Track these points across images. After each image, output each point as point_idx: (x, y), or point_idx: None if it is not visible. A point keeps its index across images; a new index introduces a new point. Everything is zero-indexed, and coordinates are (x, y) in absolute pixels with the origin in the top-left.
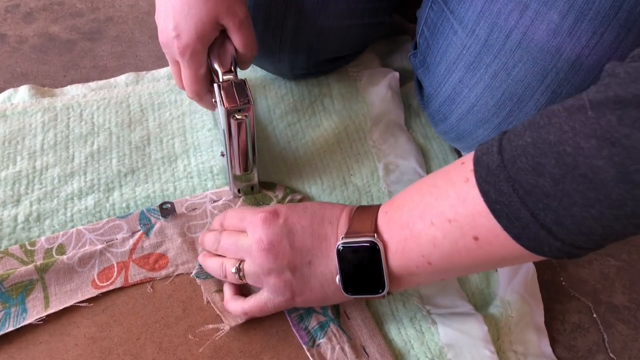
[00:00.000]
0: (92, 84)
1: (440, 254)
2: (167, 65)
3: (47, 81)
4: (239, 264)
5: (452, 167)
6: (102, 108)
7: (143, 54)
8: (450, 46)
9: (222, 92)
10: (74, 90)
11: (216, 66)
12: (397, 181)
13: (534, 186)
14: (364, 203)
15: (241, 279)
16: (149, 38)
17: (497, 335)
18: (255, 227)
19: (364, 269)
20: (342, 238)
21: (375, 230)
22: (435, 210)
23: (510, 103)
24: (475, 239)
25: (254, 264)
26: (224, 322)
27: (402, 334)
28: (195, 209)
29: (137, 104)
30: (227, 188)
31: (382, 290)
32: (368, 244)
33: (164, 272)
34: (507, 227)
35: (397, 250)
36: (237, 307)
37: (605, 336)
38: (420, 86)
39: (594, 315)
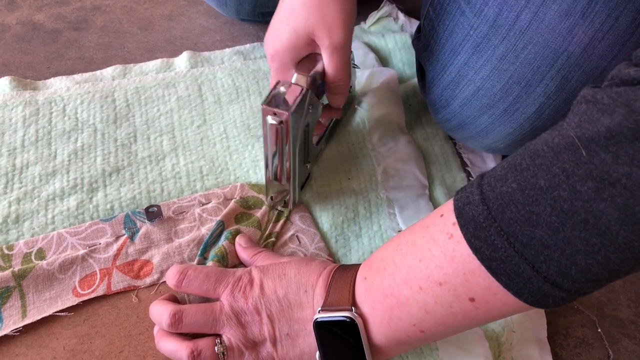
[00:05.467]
0: (77, 77)
1: (433, 320)
2: (156, 57)
3: (30, 72)
4: (220, 342)
5: (430, 220)
6: (86, 102)
7: (131, 45)
8: (457, 27)
9: (274, 89)
10: (58, 83)
11: (294, 70)
12: (396, 187)
13: (530, 238)
14: (361, 209)
15: (224, 357)
16: (138, 29)
17: (499, 352)
18: (232, 296)
19: (344, 345)
20: (318, 311)
21: (354, 301)
22: (421, 274)
23: (517, 87)
24: (472, 300)
25: (236, 337)
26: None
27: None
28: (183, 212)
29: (123, 98)
30: (216, 190)
31: None
32: (346, 319)
33: (148, 280)
34: (506, 285)
35: (382, 322)
36: None
37: (610, 352)
38: (422, 73)
39: (599, 330)
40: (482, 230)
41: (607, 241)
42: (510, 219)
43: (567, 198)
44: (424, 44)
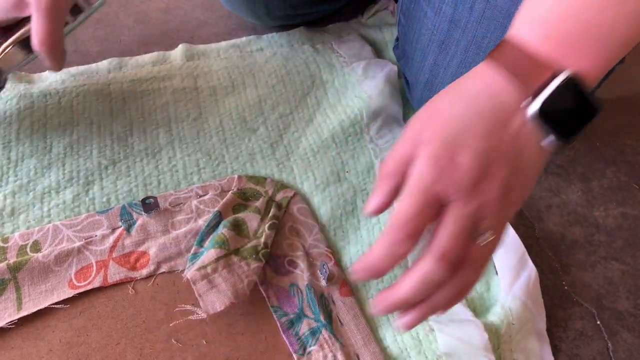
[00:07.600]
0: (73, 69)
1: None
2: (152, 51)
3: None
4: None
5: None
6: (81, 95)
7: (127, 38)
8: (423, 29)
9: None
10: (53, 76)
11: None
12: None
13: None
14: (359, 202)
15: None
16: (134, 22)
17: (498, 344)
18: (465, 202)
19: (567, 109)
20: (527, 104)
21: (547, 66)
22: None
23: None
24: None
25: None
26: (200, 309)
27: (398, 341)
28: (179, 204)
29: (119, 91)
30: (213, 182)
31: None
32: (563, 83)
33: (145, 272)
34: None
35: (593, 59)
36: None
37: (609, 345)
38: (407, 78)
39: (598, 322)
40: None
41: None
42: None
43: None
44: (402, 51)
